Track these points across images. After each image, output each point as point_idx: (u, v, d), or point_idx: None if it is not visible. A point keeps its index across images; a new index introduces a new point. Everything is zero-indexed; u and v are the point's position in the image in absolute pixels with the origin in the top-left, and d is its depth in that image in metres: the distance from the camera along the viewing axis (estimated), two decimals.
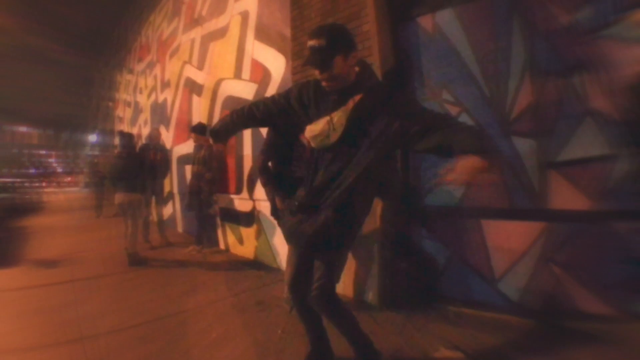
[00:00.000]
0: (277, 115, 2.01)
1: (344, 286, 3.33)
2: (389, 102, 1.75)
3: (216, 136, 2.30)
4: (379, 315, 2.85)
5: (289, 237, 2.09)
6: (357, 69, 1.79)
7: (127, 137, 5.50)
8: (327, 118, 1.76)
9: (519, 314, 2.63)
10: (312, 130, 1.80)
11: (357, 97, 1.74)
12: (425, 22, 3.15)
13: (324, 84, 1.75)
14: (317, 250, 1.88)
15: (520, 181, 2.67)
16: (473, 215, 2.87)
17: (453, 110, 2.97)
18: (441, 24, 3.06)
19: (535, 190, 2.62)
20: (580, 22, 2.42)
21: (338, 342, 2.11)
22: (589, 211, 2.41)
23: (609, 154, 2.33)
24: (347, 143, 1.76)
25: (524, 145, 2.67)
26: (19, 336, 2.80)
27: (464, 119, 2.90)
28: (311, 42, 1.68)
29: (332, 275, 1.90)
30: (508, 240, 2.71)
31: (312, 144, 1.86)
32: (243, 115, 2.12)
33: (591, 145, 2.40)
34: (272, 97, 2.08)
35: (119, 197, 5.15)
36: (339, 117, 1.74)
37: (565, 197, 2.49)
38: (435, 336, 2.50)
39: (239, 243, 5.29)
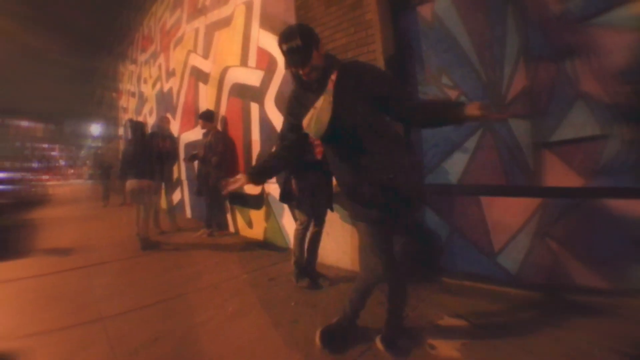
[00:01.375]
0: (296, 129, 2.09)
1: (352, 262, 3.51)
2: (363, 77, 1.89)
3: (254, 178, 2.12)
4: (383, 286, 3.00)
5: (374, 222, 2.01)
6: (323, 52, 1.94)
7: (137, 125, 5.60)
8: (311, 111, 1.89)
9: (517, 286, 2.78)
10: (305, 122, 1.93)
11: (334, 76, 1.89)
12: (425, 10, 3.25)
13: (305, 77, 1.89)
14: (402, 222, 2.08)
15: (516, 160, 2.80)
16: (472, 192, 3.01)
17: (452, 94, 3.10)
18: (440, 12, 3.16)
19: (530, 168, 2.75)
20: (571, 10, 2.52)
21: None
22: (582, 188, 2.54)
23: (600, 134, 2.45)
24: (342, 122, 1.85)
25: (519, 126, 2.79)
26: (39, 320, 2.81)
27: (463, 101, 3.02)
28: (287, 45, 1.81)
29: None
30: (506, 216, 2.85)
31: (313, 136, 1.97)
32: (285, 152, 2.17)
33: (583, 126, 2.51)
34: (284, 122, 2.21)
35: (130, 184, 5.22)
36: (322, 101, 1.86)
37: (559, 174, 2.62)
38: (438, 306, 2.66)
39: (249, 225, 5.43)
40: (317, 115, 1.86)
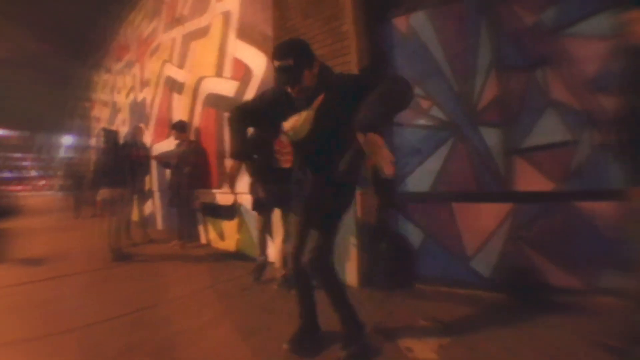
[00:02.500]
0: (266, 106, 2.05)
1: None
2: (347, 92, 1.83)
3: (239, 156, 2.07)
4: (359, 294, 2.94)
5: (295, 208, 2.20)
6: (316, 71, 1.86)
7: (111, 134, 5.41)
8: (297, 116, 1.89)
9: (491, 289, 2.78)
10: (286, 125, 1.96)
11: (320, 98, 1.85)
12: (400, 23, 3.28)
13: (294, 95, 1.85)
14: (316, 218, 2.02)
15: (488, 167, 2.83)
16: (445, 199, 3.02)
17: (425, 104, 3.12)
18: (415, 25, 3.20)
19: (501, 174, 2.78)
20: (542, 23, 2.62)
21: (323, 318, 2.21)
22: (553, 192, 2.59)
23: (570, 139, 2.53)
24: (319, 131, 1.88)
25: (490, 134, 2.83)
26: (9, 330, 2.69)
27: (435, 111, 3.07)
28: (279, 63, 1.77)
29: (328, 242, 2.00)
30: (478, 221, 2.86)
31: (289, 137, 2.02)
32: (236, 116, 2.12)
33: (553, 133, 2.59)
34: (254, 103, 2.15)
35: (103, 193, 5.03)
36: (307, 114, 1.86)
37: (530, 180, 2.67)
38: (413, 311, 2.60)
39: (221, 237, 5.26)
40: (300, 124, 1.89)
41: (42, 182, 31.71)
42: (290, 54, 1.75)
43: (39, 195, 22.04)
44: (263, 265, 3.68)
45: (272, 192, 3.30)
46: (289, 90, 1.83)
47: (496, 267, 2.81)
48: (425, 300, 2.81)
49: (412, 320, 2.46)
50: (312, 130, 1.89)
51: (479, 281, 2.86)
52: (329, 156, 1.97)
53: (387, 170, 1.40)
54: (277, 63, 1.78)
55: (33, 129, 28.41)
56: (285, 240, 3.35)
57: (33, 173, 35.71)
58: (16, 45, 13.63)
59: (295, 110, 1.91)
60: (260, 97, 2.11)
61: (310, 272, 2.02)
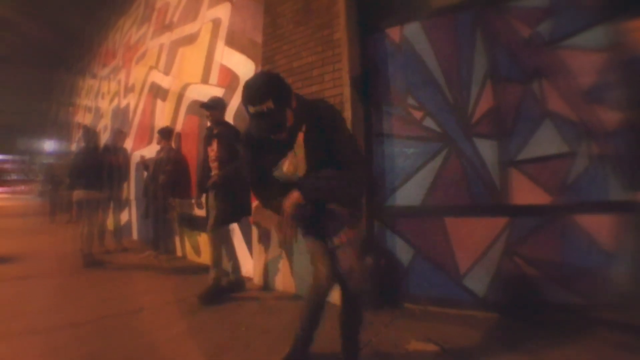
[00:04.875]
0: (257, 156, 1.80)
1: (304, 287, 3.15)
2: (326, 126, 1.65)
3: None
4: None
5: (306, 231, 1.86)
6: (295, 105, 1.63)
7: (91, 133, 5.07)
8: (289, 159, 1.67)
9: (485, 309, 2.53)
10: (286, 171, 1.72)
11: (303, 128, 1.64)
12: (394, 33, 3.11)
13: (274, 138, 1.61)
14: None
15: (482, 179, 2.63)
16: (436, 213, 2.78)
17: (417, 114, 2.93)
18: (408, 35, 3.03)
19: (496, 187, 2.58)
20: (538, 35, 2.50)
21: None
22: (550, 205, 2.40)
23: (567, 151, 2.37)
24: (317, 163, 1.66)
25: (485, 146, 2.64)
26: None
27: (428, 122, 2.88)
28: (256, 108, 1.49)
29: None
30: (471, 236, 2.63)
31: (286, 178, 1.74)
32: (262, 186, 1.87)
33: (549, 145, 2.42)
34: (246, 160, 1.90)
35: (77, 194, 4.71)
36: (298, 153, 1.66)
37: (526, 193, 2.48)
38: (404, 331, 2.33)
39: (197, 249, 4.87)
40: (296, 163, 1.68)
41: (22, 187, 30.45)
42: (267, 96, 1.48)
43: (17, 199, 21.18)
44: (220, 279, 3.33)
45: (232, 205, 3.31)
46: (271, 136, 1.59)
47: (490, 285, 2.57)
48: (416, 321, 2.54)
49: (404, 340, 2.18)
50: (309, 165, 1.67)
51: (472, 300, 2.61)
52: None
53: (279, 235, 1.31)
54: (252, 109, 1.50)
55: (14, 132, 27.29)
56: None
57: (13, 176, 34.37)
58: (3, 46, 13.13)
59: (279, 151, 1.68)
60: (255, 160, 1.81)
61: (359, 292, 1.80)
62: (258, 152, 1.76)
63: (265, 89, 1.49)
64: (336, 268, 1.72)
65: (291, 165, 1.69)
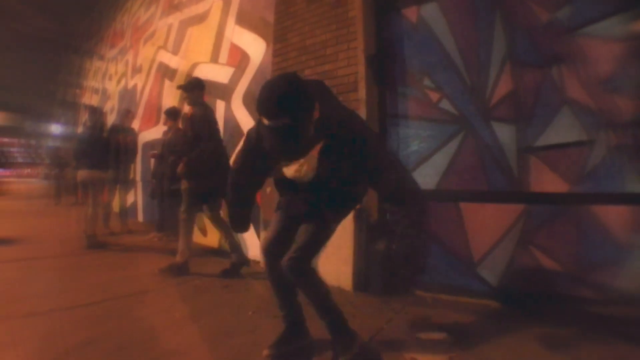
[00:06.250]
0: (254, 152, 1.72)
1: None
2: (351, 143, 1.55)
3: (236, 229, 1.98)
4: (354, 299, 2.57)
5: (281, 206, 1.83)
6: (317, 116, 1.44)
7: (96, 112, 4.98)
8: (297, 164, 1.58)
9: (498, 299, 2.43)
10: (288, 173, 1.64)
11: (321, 143, 1.52)
12: (410, 13, 3.00)
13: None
14: (304, 221, 1.69)
15: (499, 164, 2.52)
16: (451, 198, 2.68)
17: (434, 96, 2.82)
18: (425, 15, 2.92)
19: (514, 173, 2.47)
20: (558, 20, 2.36)
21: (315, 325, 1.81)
22: (567, 194, 2.29)
23: (586, 139, 2.24)
24: (327, 174, 1.59)
25: (502, 130, 2.53)
26: None
27: (444, 104, 2.77)
28: (270, 122, 1.31)
29: (311, 248, 1.65)
30: (486, 223, 2.53)
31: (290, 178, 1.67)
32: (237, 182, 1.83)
33: (568, 132, 2.30)
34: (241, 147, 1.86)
35: (81, 174, 4.62)
36: (309, 161, 1.55)
37: (543, 180, 2.37)
38: (415, 318, 2.24)
39: (203, 232, 4.82)
40: (304, 172, 1.57)
41: (28, 170, 30.59)
42: (284, 109, 1.28)
43: (23, 182, 21.24)
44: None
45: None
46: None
47: (505, 275, 2.46)
48: (427, 309, 2.44)
49: (415, 329, 2.08)
50: (320, 174, 1.57)
51: (485, 289, 2.51)
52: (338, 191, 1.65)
53: None
54: (267, 122, 1.32)
55: (22, 114, 27.29)
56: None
57: (19, 160, 34.51)
58: (11, 28, 13.08)
59: (285, 156, 1.60)
60: (248, 140, 1.74)
61: (290, 277, 1.62)
62: (256, 150, 1.65)
63: (283, 104, 1.29)
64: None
65: (297, 172, 1.60)
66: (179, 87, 3.51)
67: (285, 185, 1.77)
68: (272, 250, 1.73)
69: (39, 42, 14.21)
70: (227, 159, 3.50)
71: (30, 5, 11.00)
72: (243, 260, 3.39)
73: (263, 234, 3.38)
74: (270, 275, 1.75)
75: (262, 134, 1.51)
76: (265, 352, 1.71)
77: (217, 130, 3.44)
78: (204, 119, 3.28)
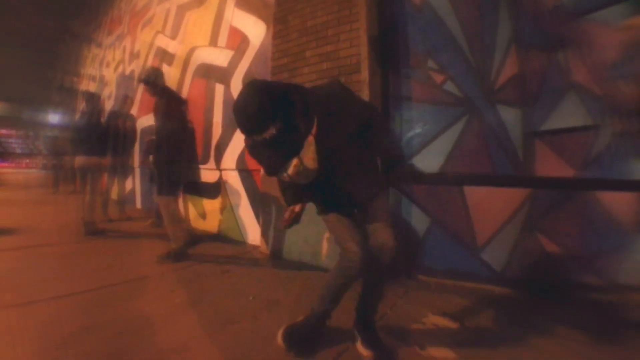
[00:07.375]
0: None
1: (314, 257, 3.03)
2: (344, 112, 1.48)
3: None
4: (356, 284, 2.54)
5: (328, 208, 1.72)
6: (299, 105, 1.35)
7: (93, 97, 4.89)
8: (295, 160, 1.45)
9: (502, 284, 2.40)
10: (292, 173, 1.49)
11: (314, 130, 1.41)
12: None
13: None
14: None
15: (504, 148, 2.47)
16: (455, 181, 2.63)
17: (438, 78, 2.76)
18: None
19: (519, 157, 2.42)
20: (565, 5, 2.30)
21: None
22: (573, 179, 2.24)
23: (591, 124, 2.19)
24: (328, 163, 1.50)
25: (507, 114, 2.47)
26: None
27: (449, 87, 2.71)
28: (257, 137, 1.25)
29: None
30: (491, 207, 2.48)
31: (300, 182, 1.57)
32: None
33: (574, 116, 2.25)
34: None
35: (79, 161, 4.54)
36: (306, 153, 1.43)
37: (549, 164, 2.32)
38: (419, 303, 2.21)
39: (202, 217, 4.78)
40: (304, 167, 1.45)
41: (26, 160, 30.44)
42: (266, 121, 1.22)
43: (21, 173, 21.15)
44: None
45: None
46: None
47: (509, 260, 2.42)
48: (431, 293, 2.41)
49: (420, 314, 2.04)
50: (323, 165, 1.48)
51: (489, 274, 2.47)
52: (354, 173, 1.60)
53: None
54: (254, 137, 1.27)
55: (19, 104, 27.05)
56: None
57: (17, 150, 34.36)
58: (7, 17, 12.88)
59: (283, 154, 1.46)
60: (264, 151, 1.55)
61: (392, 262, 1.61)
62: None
63: (262, 116, 1.22)
64: (368, 245, 1.58)
65: (296, 169, 1.47)
66: (140, 81, 3.64)
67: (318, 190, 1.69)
68: (368, 247, 1.60)
69: (36, 36, 14.01)
70: (190, 145, 3.69)
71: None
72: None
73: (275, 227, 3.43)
74: (363, 273, 1.65)
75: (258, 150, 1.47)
76: (280, 340, 1.68)
77: (179, 118, 3.53)
78: (160, 109, 3.42)
